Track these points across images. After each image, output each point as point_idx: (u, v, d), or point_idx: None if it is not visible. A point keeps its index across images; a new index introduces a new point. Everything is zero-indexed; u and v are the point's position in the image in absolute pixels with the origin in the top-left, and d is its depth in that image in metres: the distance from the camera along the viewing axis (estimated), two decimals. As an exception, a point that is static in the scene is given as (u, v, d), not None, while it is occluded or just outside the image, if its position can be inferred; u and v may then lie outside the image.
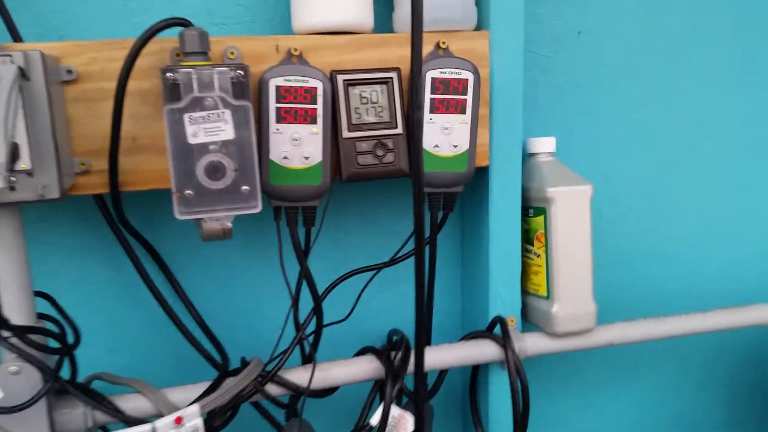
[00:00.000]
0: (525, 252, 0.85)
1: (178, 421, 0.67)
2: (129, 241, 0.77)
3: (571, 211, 0.80)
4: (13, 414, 0.62)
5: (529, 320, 0.87)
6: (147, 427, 0.66)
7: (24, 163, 0.58)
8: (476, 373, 0.89)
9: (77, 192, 0.68)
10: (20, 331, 0.62)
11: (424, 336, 0.70)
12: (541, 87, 0.90)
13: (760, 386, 1.12)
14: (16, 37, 0.69)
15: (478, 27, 0.77)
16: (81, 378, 0.75)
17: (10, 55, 0.56)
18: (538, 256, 0.83)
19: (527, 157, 0.85)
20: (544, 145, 0.84)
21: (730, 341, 1.08)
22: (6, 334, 0.62)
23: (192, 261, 0.83)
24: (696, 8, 0.94)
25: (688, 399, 1.09)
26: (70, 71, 0.65)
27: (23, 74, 0.57)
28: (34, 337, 0.64)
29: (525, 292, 0.86)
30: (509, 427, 0.83)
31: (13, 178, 0.58)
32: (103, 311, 0.83)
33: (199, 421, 0.68)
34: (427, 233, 0.79)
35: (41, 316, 0.69)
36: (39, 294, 0.70)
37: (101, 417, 0.69)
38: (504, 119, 0.78)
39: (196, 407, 0.68)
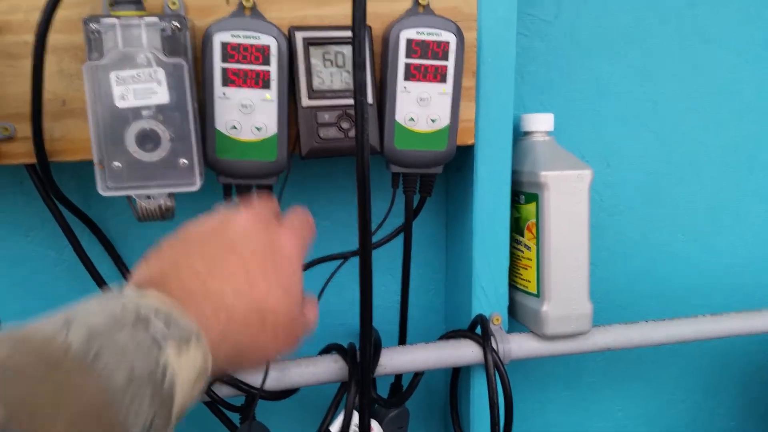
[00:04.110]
0: (514, 243, 0.76)
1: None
2: (68, 218, 0.69)
3: (566, 198, 0.70)
4: None
5: (517, 319, 0.77)
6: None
7: None
8: (457, 375, 0.80)
9: (-1, 161, 0.60)
10: None
11: (371, 344, 0.62)
12: (538, 55, 0.80)
13: (776, 394, 1.02)
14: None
15: (466, -18, 0.67)
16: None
17: None
18: (529, 248, 0.73)
19: (521, 135, 0.75)
20: (540, 123, 0.74)
21: (742, 344, 0.98)
22: None
23: (141, 240, 0.75)
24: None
25: (694, 405, 1.00)
26: (-16, 21, 0.56)
27: None
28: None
29: (513, 287, 0.77)
30: (491, 436, 0.75)
31: None
32: (46, 296, 0.75)
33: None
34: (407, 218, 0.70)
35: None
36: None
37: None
38: (493, 91, 0.68)
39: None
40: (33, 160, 0.60)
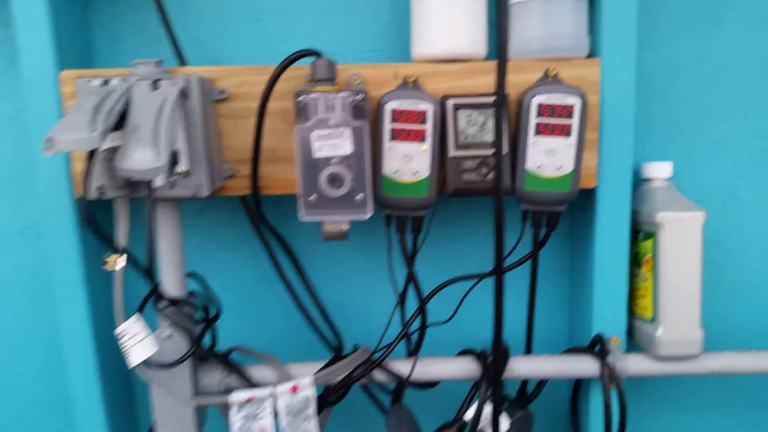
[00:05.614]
0: (634, 275, 0.86)
1: (294, 389, 0.78)
2: (267, 237, 0.89)
3: (680, 237, 0.80)
4: (164, 371, 0.76)
5: (635, 341, 0.87)
6: (267, 390, 0.77)
7: (182, 166, 0.72)
8: (578, 387, 0.91)
9: (225, 193, 0.81)
10: (172, 302, 0.76)
11: (500, 348, 0.74)
12: (657, 115, 0.90)
13: None
14: (182, 61, 0.84)
15: (591, 55, 0.80)
16: (223, 349, 0.89)
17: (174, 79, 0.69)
18: (646, 280, 0.83)
19: (642, 182, 0.86)
20: (659, 171, 0.84)
21: None
22: (162, 304, 0.76)
23: (319, 256, 0.95)
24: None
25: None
26: (222, 92, 0.78)
27: (183, 95, 0.70)
28: (183, 308, 0.78)
29: (632, 314, 0.87)
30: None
31: (173, 178, 0.72)
32: (244, 296, 0.97)
33: (310, 392, 0.78)
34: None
35: (191, 293, 0.83)
36: (190, 275, 0.84)
37: (233, 382, 0.82)
38: (613, 143, 0.80)
39: (309, 380, 0.78)
40: (248, 192, 0.81)
